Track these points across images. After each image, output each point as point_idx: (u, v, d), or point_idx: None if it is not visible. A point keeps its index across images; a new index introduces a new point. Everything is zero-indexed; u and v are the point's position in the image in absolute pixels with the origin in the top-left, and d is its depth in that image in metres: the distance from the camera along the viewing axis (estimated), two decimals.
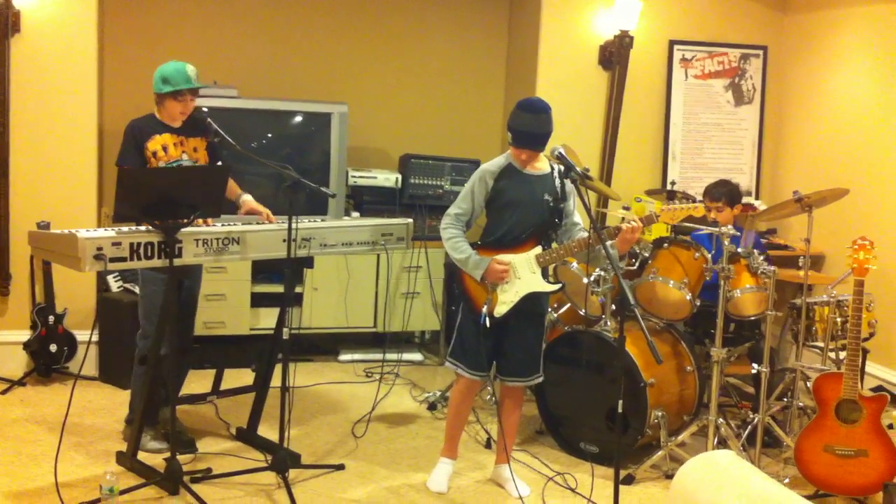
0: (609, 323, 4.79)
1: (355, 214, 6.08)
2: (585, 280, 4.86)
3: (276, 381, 4.24)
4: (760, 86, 6.70)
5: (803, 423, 4.77)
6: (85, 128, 5.52)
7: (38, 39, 5.39)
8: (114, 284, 5.63)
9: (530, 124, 4.00)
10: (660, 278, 4.73)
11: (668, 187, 5.82)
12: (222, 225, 4.23)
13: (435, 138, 6.65)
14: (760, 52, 6.67)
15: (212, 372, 4.60)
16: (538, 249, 4.06)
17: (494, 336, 4.11)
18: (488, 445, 4.82)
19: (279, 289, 5.63)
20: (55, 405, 5.03)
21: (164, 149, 4.35)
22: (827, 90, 6.27)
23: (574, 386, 4.74)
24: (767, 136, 6.75)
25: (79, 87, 5.48)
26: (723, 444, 4.58)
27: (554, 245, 4.18)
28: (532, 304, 4.10)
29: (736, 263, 4.70)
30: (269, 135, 5.99)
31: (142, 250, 3.83)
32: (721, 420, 4.57)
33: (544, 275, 4.09)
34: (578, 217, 4.20)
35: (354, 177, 6.10)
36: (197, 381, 5.15)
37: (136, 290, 5.39)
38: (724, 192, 5.07)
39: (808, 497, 3.97)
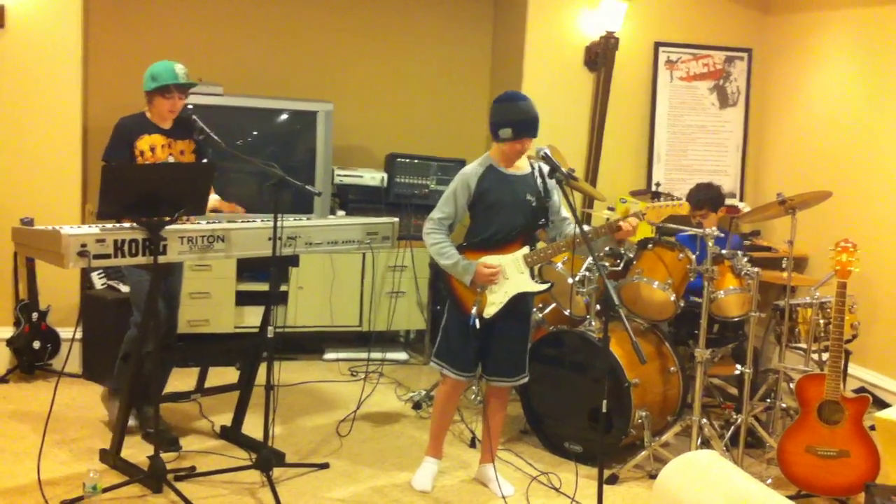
0: (594, 323, 4.80)
1: (341, 213, 6.08)
2: (570, 280, 4.87)
3: (260, 379, 4.23)
4: (745, 88, 6.74)
5: (786, 423, 4.79)
6: (69, 124, 5.49)
7: (22, 35, 5.36)
8: (98, 282, 5.60)
9: (524, 111, 3.98)
10: (644, 279, 4.75)
11: (653, 188, 5.84)
12: (207, 223, 4.22)
13: (421, 138, 6.65)
14: (745, 55, 6.70)
15: (196, 370, 4.58)
16: (525, 250, 4.07)
17: (481, 336, 4.11)
18: (473, 444, 4.82)
19: (264, 287, 5.62)
20: (38, 402, 5.00)
21: (152, 149, 4.35)
22: (810, 92, 6.30)
23: (559, 386, 4.75)
24: (751, 138, 6.78)
25: (63, 82, 5.45)
26: (706, 444, 4.60)
27: (541, 244, 4.18)
28: (518, 304, 4.10)
29: (720, 265, 4.73)
30: (255, 133, 5.97)
31: (126, 247, 3.80)
32: (704, 420, 4.59)
33: (531, 275, 4.10)
34: (566, 212, 4.20)
35: (340, 175, 6.10)
36: (181, 379, 5.13)
37: (121, 287, 5.39)
38: (705, 200, 5.08)
39: (791, 497, 4.00)
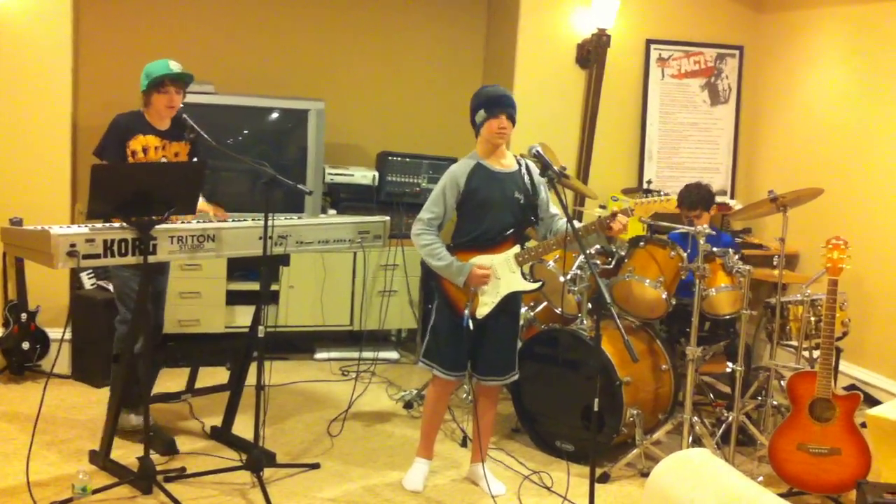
0: (585, 321, 4.80)
1: (332, 212, 6.06)
2: (562, 278, 4.86)
3: (251, 379, 4.21)
4: (736, 85, 6.74)
5: (777, 421, 4.80)
6: (59, 123, 5.46)
7: (11, 33, 5.32)
8: (87, 282, 5.58)
9: (490, 91, 4.11)
10: (636, 277, 4.74)
11: (645, 186, 5.84)
12: (197, 222, 4.20)
13: (412, 136, 6.64)
14: (736, 52, 6.70)
15: (186, 370, 4.56)
16: (516, 249, 4.06)
17: (471, 336, 4.09)
18: (464, 444, 4.82)
19: (255, 286, 5.59)
20: (27, 403, 4.98)
21: (145, 150, 4.33)
22: (801, 90, 6.31)
23: (550, 384, 4.74)
24: (743, 135, 6.79)
25: (53, 81, 5.42)
26: (697, 442, 4.60)
27: (532, 243, 4.17)
28: (508, 303, 4.09)
29: (711, 262, 4.73)
30: (246, 131, 5.96)
31: (116, 247, 3.78)
32: (696, 418, 4.59)
33: (522, 273, 4.09)
34: (555, 208, 4.20)
35: (331, 174, 6.09)
36: (171, 380, 5.11)
37: (110, 287, 5.36)
38: (699, 200, 5.08)
39: (782, 495, 3.99)
